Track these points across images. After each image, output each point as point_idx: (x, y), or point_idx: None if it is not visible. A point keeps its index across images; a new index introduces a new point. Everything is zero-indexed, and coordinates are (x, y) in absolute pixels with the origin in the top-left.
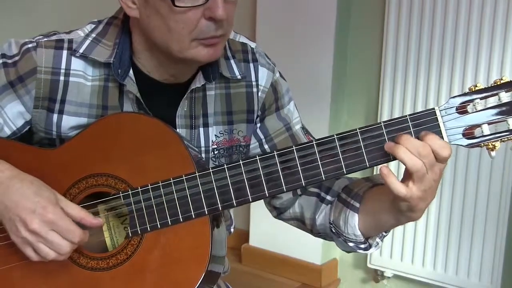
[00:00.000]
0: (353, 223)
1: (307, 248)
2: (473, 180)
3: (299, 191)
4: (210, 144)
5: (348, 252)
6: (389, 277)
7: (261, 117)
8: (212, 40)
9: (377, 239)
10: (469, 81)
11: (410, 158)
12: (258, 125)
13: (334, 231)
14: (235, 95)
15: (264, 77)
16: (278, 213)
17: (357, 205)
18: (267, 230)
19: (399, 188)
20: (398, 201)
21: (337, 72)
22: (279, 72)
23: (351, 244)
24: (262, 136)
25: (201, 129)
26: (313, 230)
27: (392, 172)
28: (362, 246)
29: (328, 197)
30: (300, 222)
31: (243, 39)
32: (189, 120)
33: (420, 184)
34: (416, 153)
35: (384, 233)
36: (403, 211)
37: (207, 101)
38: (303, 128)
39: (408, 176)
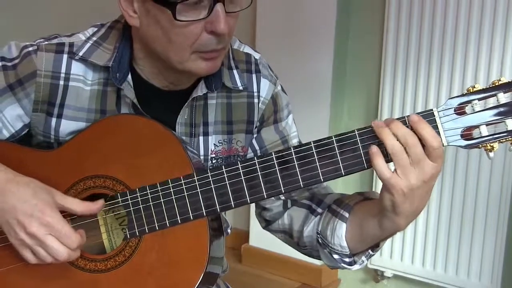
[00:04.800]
0: (340, 233)
1: None
2: (473, 180)
3: (289, 204)
4: (209, 153)
5: (332, 268)
6: (389, 277)
7: (258, 128)
8: (212, 54)
9: (363, 257)
10: (469, 82)
11: (390, 140)
12: (255, 135)
13: (320, 241)
14: (236, 105)
15: (265, 88)
16: (267, 224)
17: (346, 215)
18: None
19: (383, 169)
20: (383, 192)
21: (337, 72)
22: (281, 85)
23: (336, 256)
24: (257, 147)
25: (201, 138)
26: (299, 243)
27: (380, 153)
28: (347, 260)
29: (319, 209)
30: (287, 235)
31: (247, 50)
32: (189, 128)
33: (405, 179)
34: (403, 140)
35: (370, 252)
36: (387, 210)
37: (208, 109)
38: (299, 143)
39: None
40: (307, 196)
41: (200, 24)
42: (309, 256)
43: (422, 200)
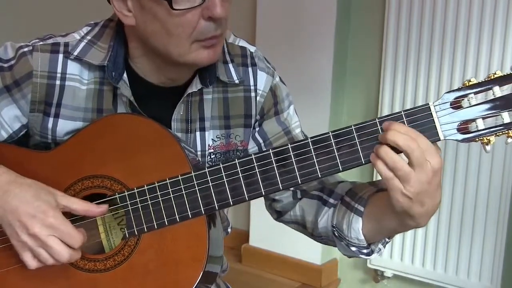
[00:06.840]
0: (357, 227)
1: (307, 248)
2: (473, 180)
3: (299, 195)
4: (207, 148)
5: (350, 257)
6: (389, 277)
7: (259, 121)
8: (211, 40)
9: (380, 245)
10: None
11: (390, 158)
12: (257, 129)
13: (337, 234)
14: (232, 100)
15: (263, 81)
16: (279, 216)
17: (362, 209)
18: (267, 230)
19: (385, 172)
20: (391, 198)
21: (337, 72)
22: (279, 76)
23: (353, 249)
24: (261, 140)
25: (198, 133)
26: (314, 234)
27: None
28: (365, 251)
29: (331, 200)
30: (300, 226)
31: (242, 43)
32: (184, 124)
33: (407, 185)
34: (405, 145)
35: (387, 240)
36: (400, 214)
37: (204, 105)
38: (302, 132)
39: None
40: (317, 186)
41: (197, 11)
42: (325, 244)
43: (434, 198)
